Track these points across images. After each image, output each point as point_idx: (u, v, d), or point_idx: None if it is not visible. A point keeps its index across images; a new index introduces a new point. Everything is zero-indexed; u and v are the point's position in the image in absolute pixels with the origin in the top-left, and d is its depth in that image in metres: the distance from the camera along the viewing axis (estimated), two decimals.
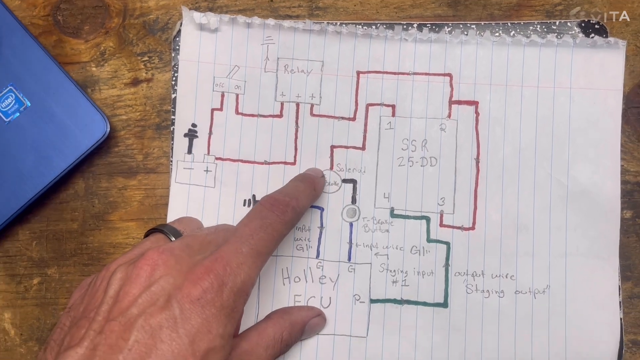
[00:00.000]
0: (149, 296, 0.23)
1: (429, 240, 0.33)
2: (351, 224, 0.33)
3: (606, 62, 0.33)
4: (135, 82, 0.35)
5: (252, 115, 0.34)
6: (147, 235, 0.29)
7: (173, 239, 0.28)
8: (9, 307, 0.34)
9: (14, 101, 0.34)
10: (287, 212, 0.28)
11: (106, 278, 0.25)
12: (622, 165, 0.33)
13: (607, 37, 0.33)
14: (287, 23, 0.33)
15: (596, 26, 0.33)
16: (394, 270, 0.32)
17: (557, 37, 0.33)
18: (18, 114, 0.34)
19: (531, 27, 0.33)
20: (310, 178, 0.32)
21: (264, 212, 0.28)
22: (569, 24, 0.33)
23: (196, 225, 0.30)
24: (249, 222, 0.27)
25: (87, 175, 0.34)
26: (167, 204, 0.34)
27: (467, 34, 0.33)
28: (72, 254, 0.34)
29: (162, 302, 0.23)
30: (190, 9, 0.34)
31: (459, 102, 0.33)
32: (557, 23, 0.33)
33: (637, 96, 0.33)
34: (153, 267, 0.24)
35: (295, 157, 0.34)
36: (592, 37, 0.33)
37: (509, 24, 0.34)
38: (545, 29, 0.33)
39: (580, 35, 0.33)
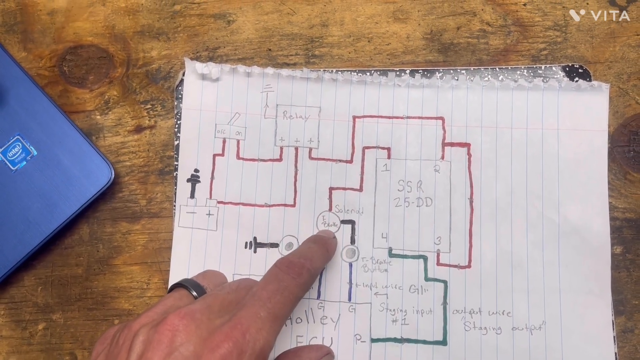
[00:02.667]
0: None
1: (426, 279, 0.34)
2: (351, 264, 0.34)
3: (591, 104, 0.34)
4: (139, 129, 0.36)
5: (253, 160, 0.35)
6: (171, 289, 0.29)
7: (195, 293, 0.28)
8: (14, 353, 0.34)
9: (21, 150, 0.35)
10: (303, 274, 0.29)
11: (129, 338, 0.25)
12: (610, 202, 0.34)
13: (590, 80, 0.34)
14: (285, 72, 0.35)
15: (580, 70, 0.35)
16: (394, 310, 0.33)
17: (543, 81, 0.35)
18: (25, 163, 0.35)
19: (518, 72, 0.35)
20: (323, 240, 0.33)
21: (280, 275, 0.28)
22: (554, 68, 0.35)
23: (220, 280, 0.31)
24: (265, 285, 0.28)
25: (92, 221, 0.35)
26: (170, 248, 0.34)
27: (457, 79, 0.35)
28: (76, 299, 0.35)
29: None
30: (191, 58, 0.36)
31: (452, 144, 0.34)
32: (543, 67, 0.35)
33: (622, 135, 0.35)
34: (174, 333, 0.24)
35: (294, 199, 0.35)
36: (577, 81, 0.34)
37: (497, 69, 0.35)
38: (531, 73, 0.35)
39: (565, 79, 0.35)
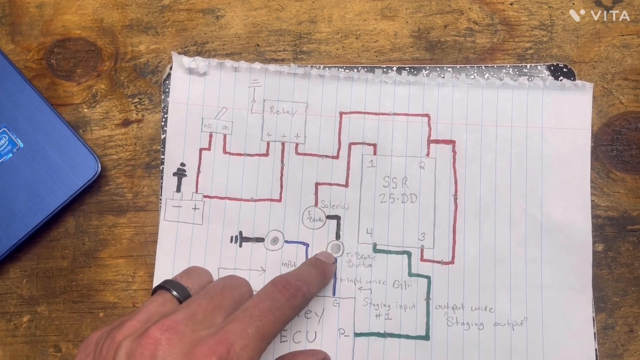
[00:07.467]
0: None
1: (410, 274, 0.34)
2: (335, 259, 0.34)
3: (575, 103, 0.34)
4: (126, 122, 0.36)
5: (239, 155, 0.35)
6: (155, 290, 0.29)
7: (178, 296, 0.28)
8: None
9: (7, 142, 0.35)
10: (297, 296, 0.29)
11: (112, 349, 0.25)
12: (592, 201, 0.34)
13: (574, 79, 0.35)
14: (272, 67, 0.35)
15: (564, 69, 0.35)
16: (377, 304, 0.33)
17: (528, 79, 0.35)
18: (11, 155, 0.35)
19: (504, 70, 0.35)
20: (323, 265, 0.32)
21: (275, 294, 0.28)
22: (539, 67, 0.35)
23: (205, 279, 0.31)
24: (259, 302, 0.28)
25: (78, 214, 0.35)
26: (156, 241, 0.34)
27: (443, 77, 0.35)
28: (62, 292, 0.35)
29: None
30: (179, 53, 0.36)
31: (437, 141, 0.35)
32: (528, 66, 0.35)
33: (605, 134, 0.35)
34: (156, 347, 0.25)
35: (280, 194, 0.35)
36: (561, 80, 0.34)
37: (483, 67, 0.35)
38: (517, 72, 0.35)
39: (550, 78, 0.35)
